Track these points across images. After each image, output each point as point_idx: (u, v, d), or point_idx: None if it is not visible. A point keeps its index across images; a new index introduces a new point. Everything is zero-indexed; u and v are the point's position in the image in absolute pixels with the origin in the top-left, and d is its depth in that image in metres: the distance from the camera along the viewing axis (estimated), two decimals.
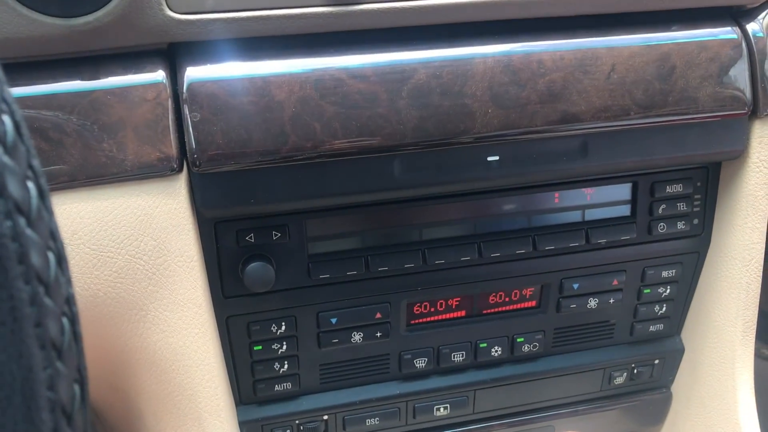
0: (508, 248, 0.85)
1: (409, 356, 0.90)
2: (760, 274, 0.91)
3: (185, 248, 0.73)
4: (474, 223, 0.85)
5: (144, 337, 0.75)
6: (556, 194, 0.86)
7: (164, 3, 0.66)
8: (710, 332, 0.96)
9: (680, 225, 0.90)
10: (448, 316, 0.90)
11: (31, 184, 0.29)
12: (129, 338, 0.75)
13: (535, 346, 0.94)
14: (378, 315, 0.86)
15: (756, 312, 0.93)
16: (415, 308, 0.88)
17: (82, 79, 0.68)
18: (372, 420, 0.93)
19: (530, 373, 0.96)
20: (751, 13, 0.83)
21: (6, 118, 0.28)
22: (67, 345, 0.30)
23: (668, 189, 0.88)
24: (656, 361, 1.01)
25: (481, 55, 0.75)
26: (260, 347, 0.84)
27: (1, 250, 0.27)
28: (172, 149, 0.69)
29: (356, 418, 0.92)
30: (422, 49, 0.74)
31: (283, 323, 0.83)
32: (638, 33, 0.79)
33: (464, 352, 0.91)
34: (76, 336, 0.31)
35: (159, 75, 0.69)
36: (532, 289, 0.91)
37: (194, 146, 0.69)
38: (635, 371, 1.00)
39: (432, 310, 0.89)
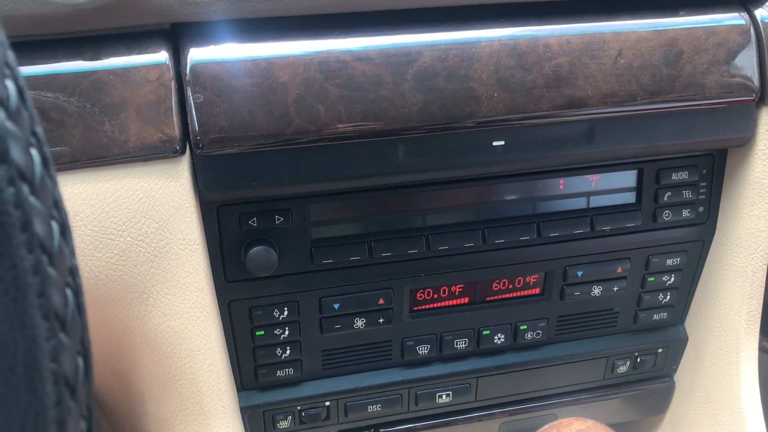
0: (512, 235, 0.85)
1: (412, 343, 0.90)
2: (766, 262, 0.90)
3: (187, 231, 0.72)
4: (478, 209, 0.84)
5: (145, 320, 0.75)
6: (561, 181, 0.86)
7: None
8: (714, 321, 0.96)
9: (685, 213, 0.89)
10: (451, 302, 0.89)
11: (34, 151, 0.28)
12: (130, 321, 0.75)
13: (538, 334, 0.93)
14: (381, 301, 0.85)
15: (761, 301, 0.92)
16: (418, 294, 0.88)
17: (84, 59, 0.67)
18: (374, 406, 0.92)
19: (533, 361, 0.96)
20: None
21: (9, 83, 0.28)
22: (70, 316, 0.29)
23: (674, 176, 0.88)
24: (660, 350, 1.00)
25: (487, 39, 0.74)
26: (262, 332, 0.84)
27: (4, 217, 0.26)
28: (175, 131, 0.69)
29: (358, 404, 0.92)
30: (428, 32, 0.73)
31: (286, 308, 0.83)
32: (646, 18, 0.78)
33: (467, 340, 0.91)
34: (80, 308, 0.31)
35: (162, 56, 0.69)
36: (536, 276, 0.90)
37: (197, 128, 0.69)
38: (638, 360, 1.00)
39: (435, 296, 0.89)
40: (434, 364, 0.93)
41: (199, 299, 0.75)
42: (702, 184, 0.89)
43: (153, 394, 0.81)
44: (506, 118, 0.74)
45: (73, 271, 0.30)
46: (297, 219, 0.79)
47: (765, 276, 0.92)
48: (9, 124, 0.27)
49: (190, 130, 0.69)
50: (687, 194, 0.89)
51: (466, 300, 0.90)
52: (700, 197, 0.90)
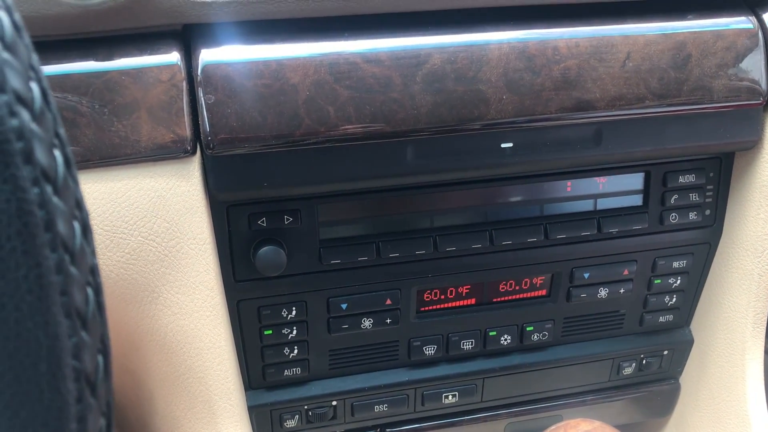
0: (519, 236, 0.85)
1: (419, 343, 0.90)
2: None
3: (197, 231, 0.73)
4: (486, 211, 0.85)
5: (155, 319, 0.75)
6: (569, 183, 0.86)
7: None
8: (720, 324, 0.96)
9: (692, 215, 0.90)
10: (458, 303, 0.90)
11: (57, 152, 0.29)
12: (140, 320, 0.75)
13: (544, 335, 0.94)
14: (388, 301, 0.86)
15: (767, 304, 0.93)
16: (425, 295, 0.88)
17: (97, 60, 0.68)
18: (380, 406, 0.93)
19: (539, 362, 0.96)
20: None
21: (34, 85, 0.28)
22: (91, 315, 0.30)
23: (681, 179, 0.88)
24: (665, 352, 1.01)
25: (497, 41, 0.74)
26: (270, 332, 0.84)
27: (29, 217, 0.27)
28: (186, 131, 0.69)
29: (365, 404, 0.92)
30: (437, 34, 0.74)
31: (294, 308, 0.83)
32: (654, 21, 0.79)
33: (473, 340, 0.91)
34: (100, 306, 0.31)
35: (174, 56, 0.69)
36: (543, 277, 0.91)
37: (208, 129, 0.69)
38: (644, 362, 1.00)
39: (442, 297, 0.89)
40: (441, 364, 0.94)
41: (208, 298, 0.76)
42: (709, 187, 0.90)
43: (162, 392, 0.82)
44: (515, 120, 0.75)
45: (94, 270, 0.31)
46: (306, 219, 0.79)
47: None
48: (34, 126, 0.27)
49: (201, 130, 0.70)
50: (694, 197, 0.89)
51: (473, 301, 0.90)
52: (707, 200, 0.90)
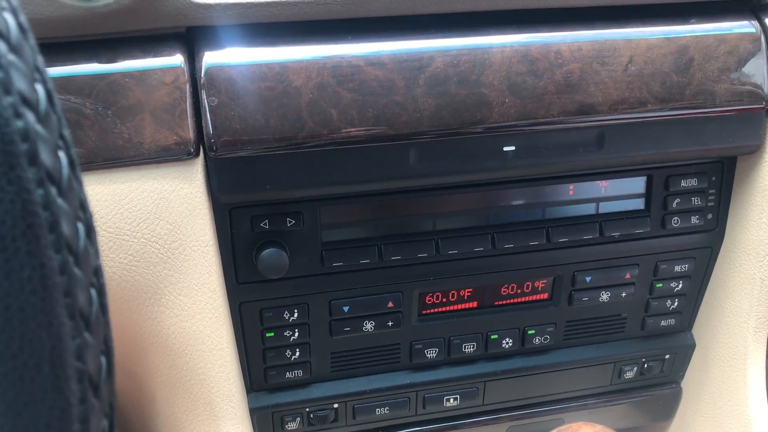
0: (521, 240, 0.85)
1: (420, 346, 0.90)
2: None
3: (200, 233, 0.73)
4: (488, 214, 0.85)
5: (158, 321, 0.75)
6: (571, 186, 0.86)
7: None
8: (722, 328, 0.96)
9: (694, 219, 0.90)
10: (459, 306, 0.90)
11: (62, 154, 0.29)
12: (143, 322, 0.75)
13: (546, 339, 0.94)
14: (390, 304, 0.86)
15: None
16: (427, 298, 0.88)
17: (100, 62, 0.68)
18: (382, 409, 0.93)
19: (541, 366, 0.96)
20: None
21: (39, 87, 0.28)
22: (95, 316, 0.30)
23: (683, 183, 0.88)
24: (667, 356, 1.00)
25: (499, 45, 0.74)
26: (272, 334, 0.84)
27: (33, 218, 0.27)
28: (189, 133, 0.69)
29: (366, 407, 0.92)
30: (440, 38, 0.74)
31: (296, 310, 0.83)
32: (656, 25, 0.79)
33: (475, 344, 0.91)
34: (103, 308, 0.31)
35: (177, 59, 0.69)
36: (545, 281, 0.91)
37: (211, 131, 0.69)
38: (646, 366, 1.00)
39: (444, 300, 0.89)
40: (442, 367, 0.94)
41: (210, 300, 0.76)
42: (711, 191, 0.90)
43: (164, 394, 0.82)
44: (517, 123, 0.75)
45: (98, 272, 0.31)
46: (308, 222, 0.79)
47: None
48: (39, 127, 0.28)
49: (204, 132, 0.70)
50: (696, 201, 0.89)
51: (475, 304, 0.90)
52: (709, 204, 0.90)
